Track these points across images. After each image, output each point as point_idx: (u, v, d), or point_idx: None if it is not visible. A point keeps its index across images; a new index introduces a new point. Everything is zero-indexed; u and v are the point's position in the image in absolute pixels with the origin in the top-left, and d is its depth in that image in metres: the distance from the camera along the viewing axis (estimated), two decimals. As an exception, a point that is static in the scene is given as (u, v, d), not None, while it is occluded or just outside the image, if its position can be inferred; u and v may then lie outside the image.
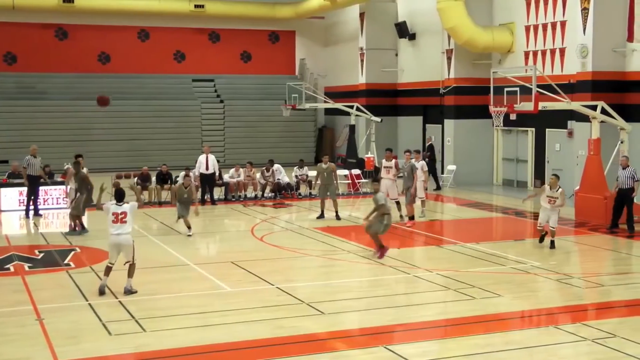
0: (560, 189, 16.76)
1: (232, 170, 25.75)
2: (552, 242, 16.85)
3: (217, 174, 24.43)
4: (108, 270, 12.90)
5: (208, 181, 23.97)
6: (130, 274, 12.93)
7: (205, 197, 24.21)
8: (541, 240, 17.14)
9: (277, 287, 13.36)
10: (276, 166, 26.17)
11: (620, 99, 22.59)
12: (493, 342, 10.34)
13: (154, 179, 24.83)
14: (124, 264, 12.90)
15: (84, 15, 37.97)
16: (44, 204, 23.08)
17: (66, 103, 36.38)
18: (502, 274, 14.46)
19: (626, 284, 13.94)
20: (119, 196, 13.02)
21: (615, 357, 9.70)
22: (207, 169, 23.66)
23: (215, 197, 24.93)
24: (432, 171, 27.11)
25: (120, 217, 12.79)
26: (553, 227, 16.76)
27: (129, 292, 12.79)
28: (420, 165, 21.17)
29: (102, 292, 12.71)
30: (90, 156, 35.18)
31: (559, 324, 11.19)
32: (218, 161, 25.87)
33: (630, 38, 22.33)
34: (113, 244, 12.91)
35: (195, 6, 38.89)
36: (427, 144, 30.19)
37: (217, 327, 11.07)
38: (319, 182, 21.42)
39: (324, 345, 10.29)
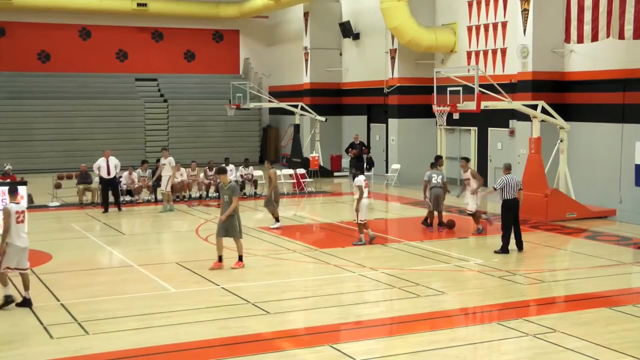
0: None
1: (173, 170, 25.47)
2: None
3: (117, 176, 23.69)
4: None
5: (110, 185, 23.22)
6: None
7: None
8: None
9: (222, 288, 13.29)
10: (231, 166, 26.09)
11: (560, 99, 23.06)
12: (438, 339, 10.45)
13: (96, 178, 24.40)
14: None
15: (22, 12, 37.23)
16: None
17: (5, 102, 35.61)
18: (446, 272, 14.62)
19: (565, 280, 14.24)
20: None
21: (555, 351, 9.89)
22: (108, 173, 22.99)
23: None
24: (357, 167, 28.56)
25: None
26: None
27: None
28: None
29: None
30: (30, 156, 34.76)
31: (501, 320, 11.37)
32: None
33: (567, 39, 22.80)
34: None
35: (138, 4, 38.46)
36: (356, 142, 30.44)
37: (162, 328, 10.95)
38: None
39: (270, 345, 10.27)
